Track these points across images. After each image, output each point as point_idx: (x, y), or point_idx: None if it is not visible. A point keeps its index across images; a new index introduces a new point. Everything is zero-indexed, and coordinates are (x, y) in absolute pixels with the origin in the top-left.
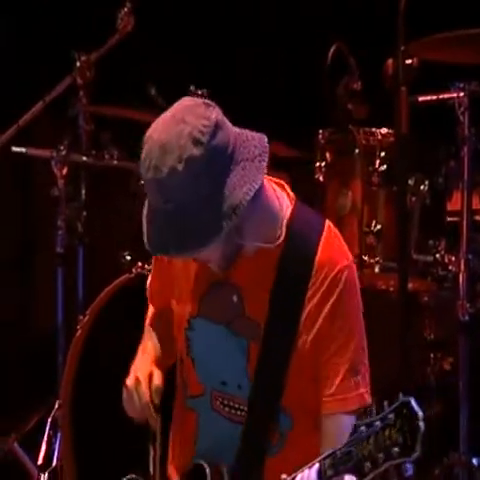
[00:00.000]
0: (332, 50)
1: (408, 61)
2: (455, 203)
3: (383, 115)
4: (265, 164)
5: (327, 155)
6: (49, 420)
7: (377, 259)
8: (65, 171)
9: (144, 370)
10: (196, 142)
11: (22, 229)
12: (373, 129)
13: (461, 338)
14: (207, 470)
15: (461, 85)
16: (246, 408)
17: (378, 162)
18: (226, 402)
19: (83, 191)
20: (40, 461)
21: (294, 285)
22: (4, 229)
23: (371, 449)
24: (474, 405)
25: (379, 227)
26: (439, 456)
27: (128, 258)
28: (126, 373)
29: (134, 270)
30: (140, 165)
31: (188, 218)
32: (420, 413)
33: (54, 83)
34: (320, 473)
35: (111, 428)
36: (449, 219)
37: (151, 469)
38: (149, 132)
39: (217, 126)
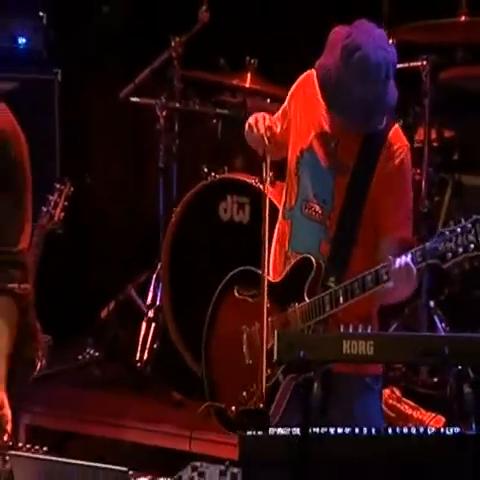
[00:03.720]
0: None
1: (389, 41)
2: (420, 135)
3: None
4: None
5: None
6: (154, 275)
7: None
8: (164, 113)
9: (261, 114)
10: (394, 65)
11: (137, 152)
12: None
13: (421, 224)
14: (312, 259)
15: (424, 56)
16: (327, 215)
17: None
18: (313, 208)
19: (176, 126)
20: (148, 302)
21: (374, 146)
22: (124, 153)
23: (452, 245)
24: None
25: None
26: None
27: (205, 170)
28: (204, 244)
29: (209, 178)
30: (353, 66)
31: (376, 103)
32: None
33: (158, 55)
34: (413, 259)
35: (195, 281)
36: (416, 145)
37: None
38: (361, 44)
39: None
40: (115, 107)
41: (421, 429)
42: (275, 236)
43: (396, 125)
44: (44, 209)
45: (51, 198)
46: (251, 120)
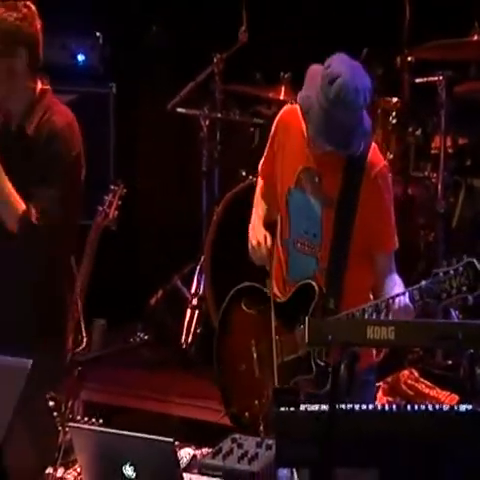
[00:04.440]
0: (362, 55)
1: (409, 58)
2: (436, 142)
3: (395, 90)
4: None
5: None
6: (198, 267)
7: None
8: (207, 122)
9: (260, 233)
10: (370, 92)
11: (182, 157)
12: (388, 98)
13: (438, 222)
14: (315, 285)
15: (440, 72)
16: (318, 248)
17: (391, 117)
18: (305, 243)
19: (218, 134)
20: (193, 291)
21: (355, 174)
22: (171, 158)
23: (446, 286)
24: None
25: (391, 156)
26: None
27: (243, 174)
28: (242, 240)
29: (247, 180)
30: (334, 93)
31: (356, 128)
32: None
33: (201, 71)
34: (411, 298)
35: (234, 273)
36: (433, 151)
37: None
38: (341, 73)
39: None
40: (163, 118)
41: (437, 406)
42: (275, 252)
43: (373, 144)
44: (100, 208)
45: (106, 198)
46: (253, 242)
